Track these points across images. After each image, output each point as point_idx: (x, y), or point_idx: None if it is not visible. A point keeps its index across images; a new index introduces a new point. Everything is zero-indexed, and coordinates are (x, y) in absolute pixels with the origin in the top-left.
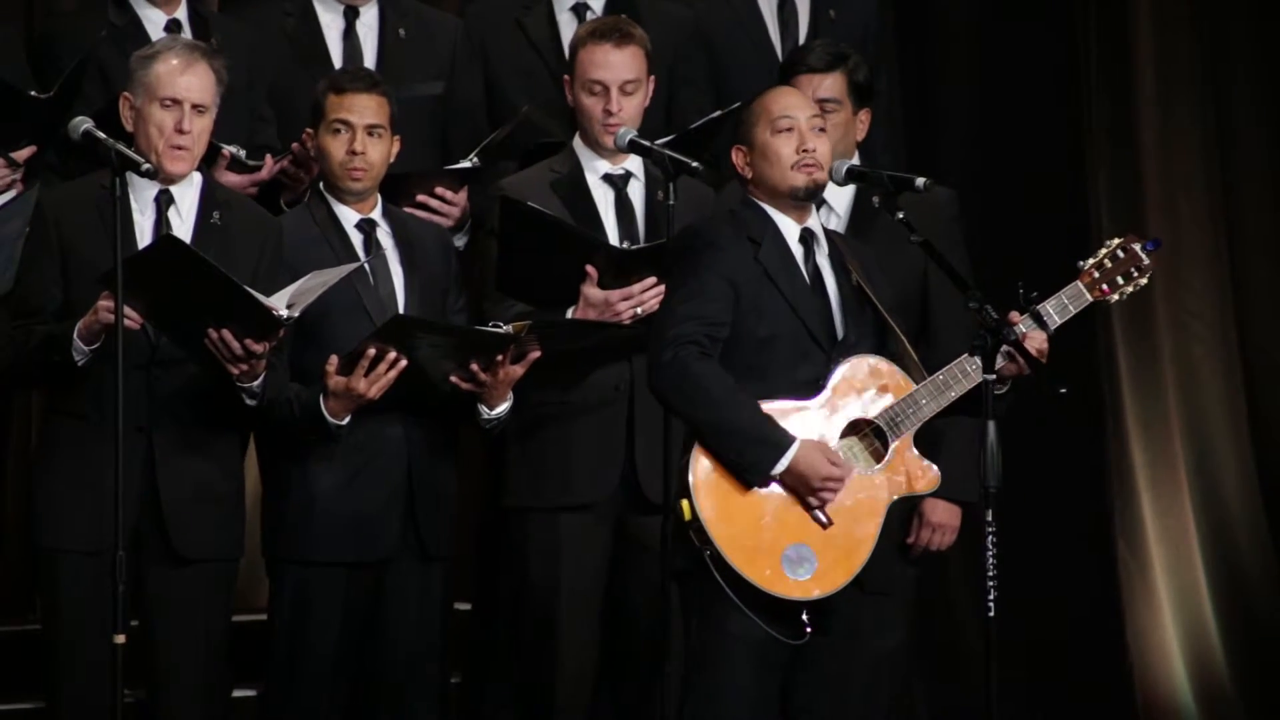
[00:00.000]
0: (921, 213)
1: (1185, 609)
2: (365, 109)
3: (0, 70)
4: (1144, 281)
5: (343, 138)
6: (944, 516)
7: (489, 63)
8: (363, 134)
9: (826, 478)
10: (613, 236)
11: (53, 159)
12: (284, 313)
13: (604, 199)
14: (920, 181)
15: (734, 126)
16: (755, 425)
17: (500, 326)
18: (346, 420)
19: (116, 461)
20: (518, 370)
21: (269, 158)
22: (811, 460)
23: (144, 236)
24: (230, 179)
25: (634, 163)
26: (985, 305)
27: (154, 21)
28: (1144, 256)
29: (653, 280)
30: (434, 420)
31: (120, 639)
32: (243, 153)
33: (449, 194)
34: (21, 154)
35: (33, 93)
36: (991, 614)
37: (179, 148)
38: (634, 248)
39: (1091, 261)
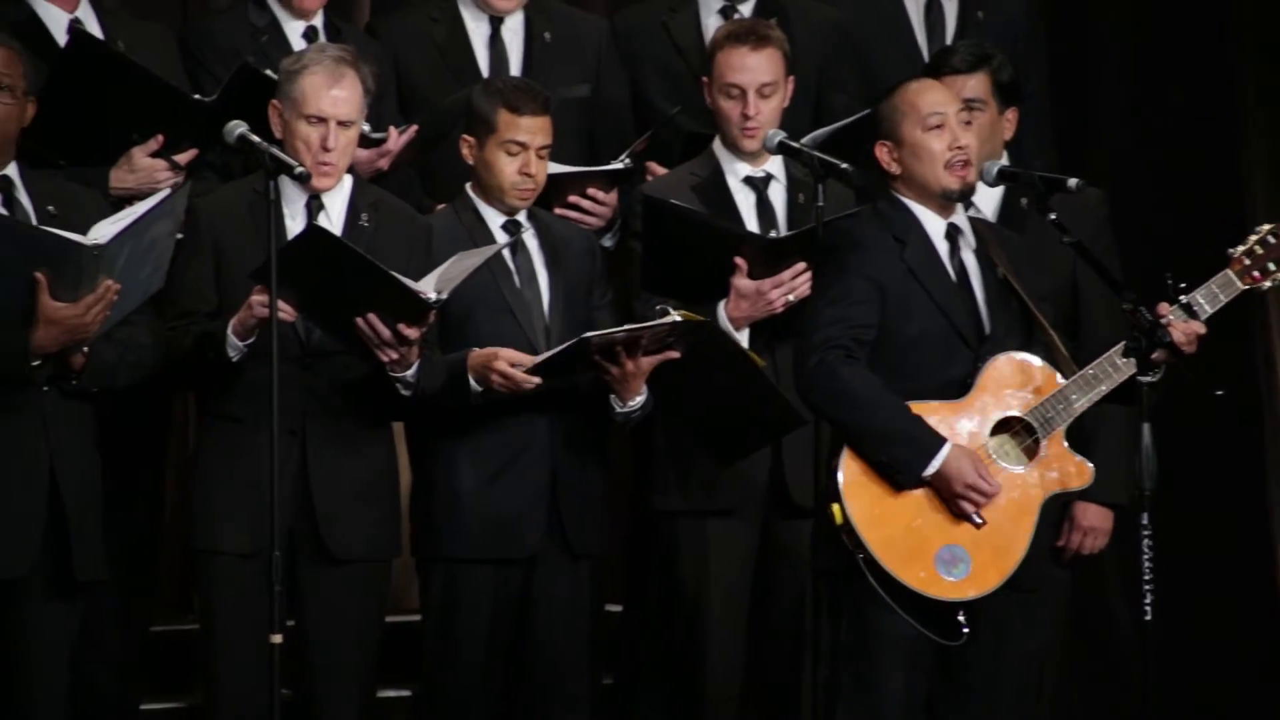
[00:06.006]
0: (1071, 213)
1: None
2: (540, 131)
3: (155, 68)
4: None
5: (517, 159)
6: (1095, 520)
7: (636, 66)
8: (535, 156)
9: (970, 485)
10: None
11: (215, 159)
12: (432, 296)
13: (745, 202)
14: (1072, 182)
15: (874, 122)
16: (905, 427)
17: (670, 313)
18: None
19: (272, 462)
20: (647, 364)
21: (393, 130)
22: (960, 466)
23: None
24: (357, 155)
25: (775, 164)
26: (1140, 306)
27: (293, 25)
28: None
29: (802, 265)
30: (580, 418)
31: (276, 639)
32: (366, 127)
33: (600, 194)
34: (183, 157)
35: (197, 96)
36: (1149, 616)
37: (325, 163)
38: (781, 235)
39: (1242, 249)
